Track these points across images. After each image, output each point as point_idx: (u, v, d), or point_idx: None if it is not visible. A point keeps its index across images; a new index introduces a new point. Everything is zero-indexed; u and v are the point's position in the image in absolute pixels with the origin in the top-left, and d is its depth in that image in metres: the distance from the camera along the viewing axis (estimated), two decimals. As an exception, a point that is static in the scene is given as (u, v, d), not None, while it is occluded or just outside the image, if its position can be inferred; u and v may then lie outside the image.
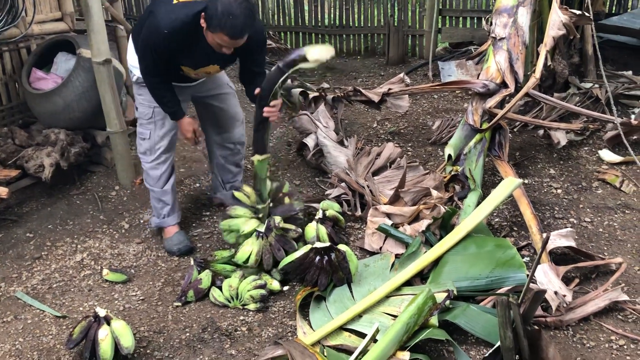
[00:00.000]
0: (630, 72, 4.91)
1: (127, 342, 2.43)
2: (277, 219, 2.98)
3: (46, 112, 3.92)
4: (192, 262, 2.97)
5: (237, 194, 3.16)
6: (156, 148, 3.21)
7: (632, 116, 4.32)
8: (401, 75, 4.38)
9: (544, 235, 2.48)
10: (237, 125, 3.44)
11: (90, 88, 3.85)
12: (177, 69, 2.97)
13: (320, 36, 6.97)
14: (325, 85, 5.22)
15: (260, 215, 3.09)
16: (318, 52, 2.67)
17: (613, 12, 6.26)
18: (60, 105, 3.84)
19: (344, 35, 6.94)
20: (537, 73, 3.48)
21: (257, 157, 3.05)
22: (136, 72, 3.07)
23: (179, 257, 3.23)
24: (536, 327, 2.03)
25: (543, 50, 3.57)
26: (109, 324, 2.47)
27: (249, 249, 2.93)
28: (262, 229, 2.96)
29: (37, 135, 3.96)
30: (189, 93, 3.21)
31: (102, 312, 2.49)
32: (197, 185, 3.99)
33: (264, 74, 3.06)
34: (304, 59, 2.68)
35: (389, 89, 4.22)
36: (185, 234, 3.35)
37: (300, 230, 3.03)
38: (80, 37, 4.07)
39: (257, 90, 2.87)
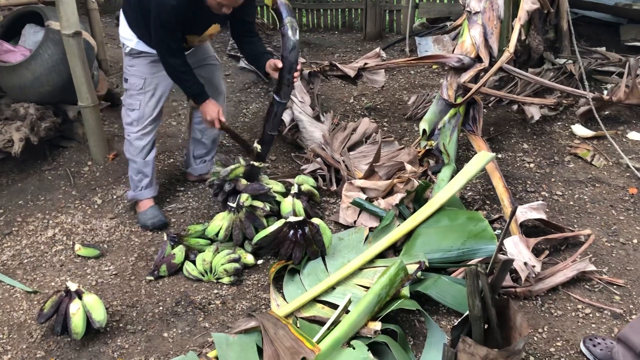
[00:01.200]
0: (603, 48, 4.95)
1: (99, 315, 2.42)
2: (245, 196, 2.98)
3: (14, 85, 3.82)
4: (165, 237, 2.96)
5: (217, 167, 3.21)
6: (145, 118, 3.22)
7: (605, 92, 4.37)
8: (377, 49, 4.36)
9: (513, 206, 2.51)
10: (219, 98, 3.42)
11: (60, 61, 3.76)
12: (182, 40, 2.99)
13: (297, 11, 6.88)
14: (302, 60, 5.18)
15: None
16: None
17: (589, -12, 6.28)
18: (29, 79, 3.75)
19: (321, 10, 6.87)
20: (511, 47, 3.49)
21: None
22: (130, 44, 3.08)
23: (153, 232, 3.21)
24: (504, 296, 2.06)
25: (517, 24, 3.58)
26: (80, 298, 2.45)
27: (219, 224, 2.94)
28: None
29: (5, 110, 3.87)
30: None
31: (73, 287, 2.47)
32: (171, 160, 3.95)
33: (254, 22, 3.24)
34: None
35: (365, 64, 4.20)
36: (159, 209, 3.33)
37: (268, 208, 3.03)
38: (49, 9, 3.95)
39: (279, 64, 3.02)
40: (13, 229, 3.29)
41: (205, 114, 3.09)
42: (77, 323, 2.38)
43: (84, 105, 3.79)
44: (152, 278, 2.83)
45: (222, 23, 3.08)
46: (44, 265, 2.99)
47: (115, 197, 3.55)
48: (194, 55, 3.22)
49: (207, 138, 3.56)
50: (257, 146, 3.21)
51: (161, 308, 2.64)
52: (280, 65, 3.01)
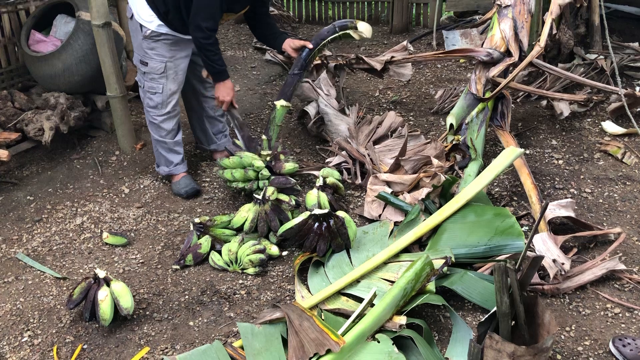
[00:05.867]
0: (636, 44, 4.84)
1: (127, 303, 2.46)
2: (271, 189, 2.99)
3: (45, 75, 3.89)
4: (191, 227, 2.98)
5: (238, 142, 3.37)
6: (168, 101, 3.30)
7: (637, 88, 4.28)
8: (404, 43, 4.33)
9: (543, 202, 2.48)
10: None
11: (90, 51, 3.81)
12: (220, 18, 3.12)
13: (323, 3, 6.86)
14: (328, 52, 5.16)
15: (264, 163, 3.23)
16: (365, 27, 3.42)
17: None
18: (60, 69, 3.81)
19: (348, 3, 6.83)
20: (542, 42, 3.44)
21: (281, 102, 3.37)
22: (150, 26, 3.11)
23: (179, 222, 3.24)
24: (532, 294, 2.04)
25: (549, 18, 3.52)
26: (108, 285, 2.49)
27: (245, 215, 2.96)
28: (264, 172, 3.14)
29: (36, 99, 3.94)
30: (191, 47, 3.27)
31: (101, 274, 2.51)
32: (198, 151, 3.98)
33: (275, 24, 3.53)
34: (354, 27, 3.42)
35: (392, 57, 4.17)
36: (192, 178, 3.50)
37: (293, 202, 3.05)
38: (79, 0, 4.00)
39: (309, 45, 3.43)
40: (43, 216, 3.35)
41: (220, 92, 3.20)
42: (105, 310, 2.42)
43: (113, 95, 3.84)
44: (178, 267, 2.86)
45: (251, 5, 3.20)
46: (72, 252, 3.04)
47: (142, 186, 3.59)
48: None
49: (219, 113, 3.67)
50: (264, 137, 3.34)
51: (187, 297, 2.67)
52: (298, 44, 3.41)
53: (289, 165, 3.28)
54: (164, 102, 3.28)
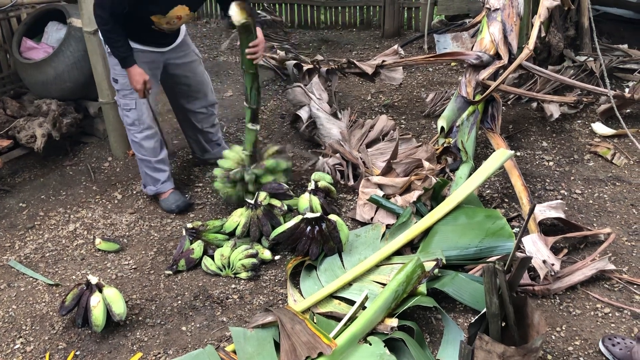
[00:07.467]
0: (625, 46, 4.88)
1: (119, 308, 2.46)
2: (263, 194, 3.00)
3: (37, 82, 3.90)
4: (184, 232, 2.99)
5: (225, 153, 3.31)
6: (144, 117, 3.22)
7: (626, 89, 4.31)
8: (395, 47, 4.35)
9: (532, 204, 2.50)
10: (207, 89, 3.52)
11: (82, 58, 3.82)
12: (147, 21, 2.97)
13: (315, 8, 6.89)
14: (320, 57, 5.19)
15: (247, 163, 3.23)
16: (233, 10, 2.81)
17: (610, -16, 6.18)
18: (52, 75, 3.82)
19: (340, 8, 6.86)
20: (531, 44, 3.46)
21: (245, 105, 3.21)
22: None
23: (172, 228, 3.24)
24: (522, 294, 2.05)
25: (537, 21, 3.55)
26: (101, 291, 2.49)
27: (237, 220, 2.97)
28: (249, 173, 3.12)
29: (28, 106, 3.95)
30: (161, 60, 3.23)
31: (94, 280, 2.51)
32: (190, 157, 3.99)
33: None
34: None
35: (383, 61, 4.20)
36: (180, 193, 3.43)
37: (285, 207, 3.05)
38: (71, 7, 4.02)
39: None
40: (35, 223, 3.35)
41: (131, 81, 3.06)
42: (97, 316, 2.42)
43: (105, 101, 3.84)
44: (170, 272, 2.87)
45: (191, 6, 3.01)
46: (65, 258, 3.04)
47: (135, 192, 3.60)
48: (175, 52, 3.25)
49: (207, 125, 3.63)
50: (248, 126, 3.21)
51: (180, 302, 2.67)
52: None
53: (269, 162, 3.23)
54: (139, 117, 3.21)
